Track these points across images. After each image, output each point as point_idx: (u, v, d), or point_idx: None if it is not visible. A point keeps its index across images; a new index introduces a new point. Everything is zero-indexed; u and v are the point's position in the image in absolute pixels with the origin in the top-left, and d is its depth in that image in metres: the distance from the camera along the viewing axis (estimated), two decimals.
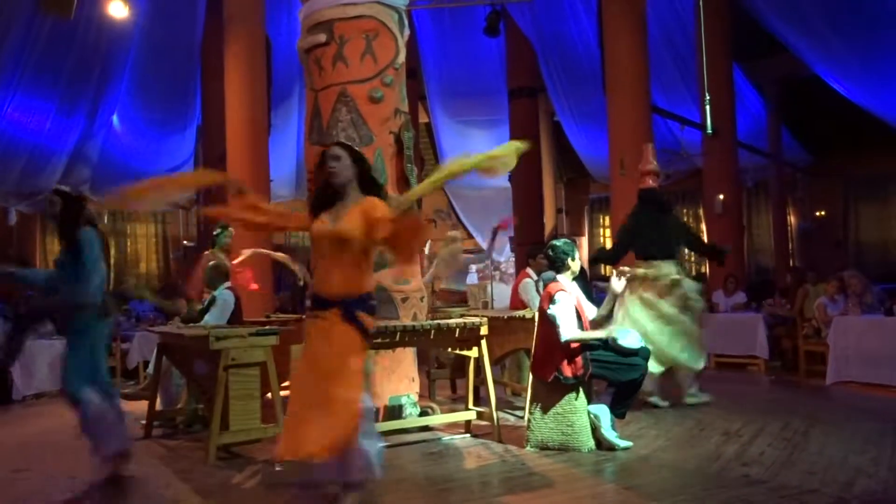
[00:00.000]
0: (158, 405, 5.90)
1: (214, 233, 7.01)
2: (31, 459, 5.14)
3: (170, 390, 6.13)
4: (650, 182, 6.60)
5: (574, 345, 4.74)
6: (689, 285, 6.42)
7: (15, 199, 13.39)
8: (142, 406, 6.05)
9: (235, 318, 6.03)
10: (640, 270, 6.31)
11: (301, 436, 3.35)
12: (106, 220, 15.33)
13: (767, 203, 15.34)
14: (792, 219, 15.52)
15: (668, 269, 6.34)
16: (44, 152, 12.98)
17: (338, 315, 3.64)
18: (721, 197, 11.54)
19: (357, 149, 3.84)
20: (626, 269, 5.01)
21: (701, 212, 14.68)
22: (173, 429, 5.94)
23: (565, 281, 4.94)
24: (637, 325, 6.00)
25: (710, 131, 9.21)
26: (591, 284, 12.23)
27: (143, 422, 5.78)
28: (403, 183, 5.71)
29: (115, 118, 14.03)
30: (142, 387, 7.00)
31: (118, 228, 15.44)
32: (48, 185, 13.27)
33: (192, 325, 5.93)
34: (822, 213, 15.35)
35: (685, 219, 16.07)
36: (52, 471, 4.78)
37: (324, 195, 3.74)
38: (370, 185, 3.71)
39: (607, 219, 15.88)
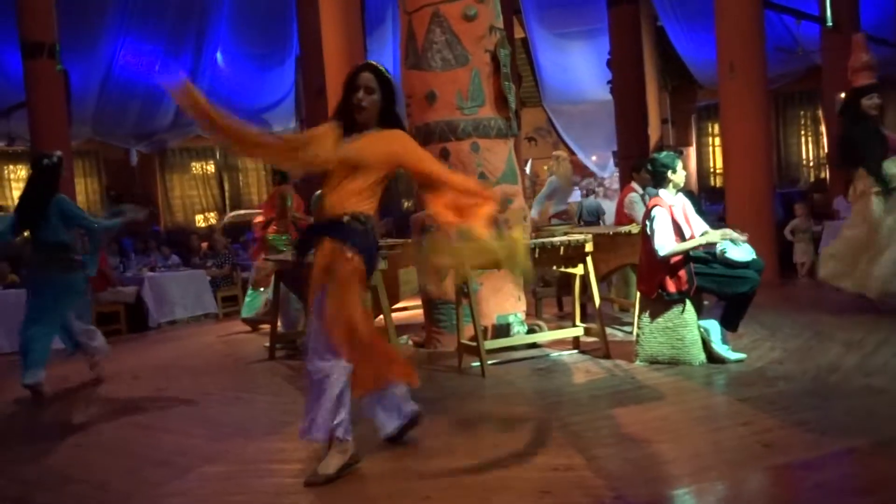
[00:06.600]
0: (280, 329, 6.26)
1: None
2: (171, 379, 5.60)
3: (289, 314, 6.48)
4: (864, 80, 5.80)
5: (675, 259, 4.64)
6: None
7: (134, 140, 14.19)
8: (265, 331, 6.43)
9: None
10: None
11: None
12: (218, 156, 16.01)
13: None
14: None
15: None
16: (156, 94, 13.58)
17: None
18: (842, 96, 10.72)
19: None
20: (740, 234, 4.69)
21: (820, 113, 13.74)
22: (294, 350, 6.27)
23: (667, 195, 4.79)
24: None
25: (829, 24, 8.48)
26: (700, 197, 11.83)
27: (267, 345, 6.16)
28: (502, 102, 5.64)
29: (219, 55, 14.45)
30: (263, 313, 7.42)
31: (230, 163, 16.09)
32: (163, 125, 13.99)
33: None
34: None
35: (803, 121, 15.12)
36: (189, 388, 5.21)
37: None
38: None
39: (716, 127, 15.11)
